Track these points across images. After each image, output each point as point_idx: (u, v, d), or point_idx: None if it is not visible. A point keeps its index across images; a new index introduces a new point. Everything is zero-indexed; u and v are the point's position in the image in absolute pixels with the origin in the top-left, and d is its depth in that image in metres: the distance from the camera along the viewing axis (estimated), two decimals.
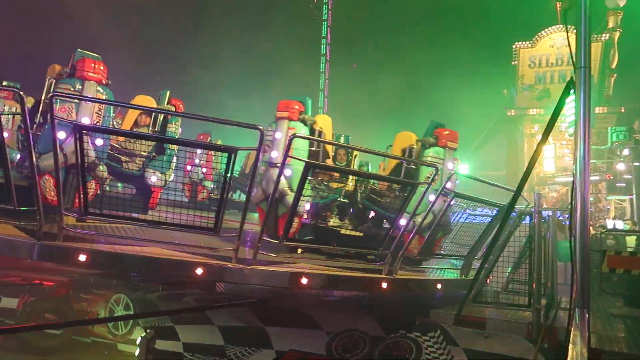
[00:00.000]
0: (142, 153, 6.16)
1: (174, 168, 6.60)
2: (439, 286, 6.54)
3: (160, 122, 6.93)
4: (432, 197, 6.08)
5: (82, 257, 4.44)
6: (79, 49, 5.71)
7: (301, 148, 6.43)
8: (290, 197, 5.99)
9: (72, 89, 5.35)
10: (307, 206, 6.23)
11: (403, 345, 7.13)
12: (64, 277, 10.09)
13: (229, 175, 4.65)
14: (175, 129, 7.09)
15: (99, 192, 5.53)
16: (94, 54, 5.72)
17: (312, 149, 6.77)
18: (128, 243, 4.96)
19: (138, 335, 9.18)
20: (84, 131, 4.51)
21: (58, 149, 4.52)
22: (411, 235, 6.04)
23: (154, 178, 6.23)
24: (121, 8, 28.44)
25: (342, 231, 6.81)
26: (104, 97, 5.48)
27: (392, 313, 7.17)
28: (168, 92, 7.29)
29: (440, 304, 6.61)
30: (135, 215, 5.19)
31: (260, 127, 4.45)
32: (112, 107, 5.97)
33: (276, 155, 6.16)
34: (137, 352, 8.93)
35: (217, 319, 8.38)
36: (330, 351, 7.59)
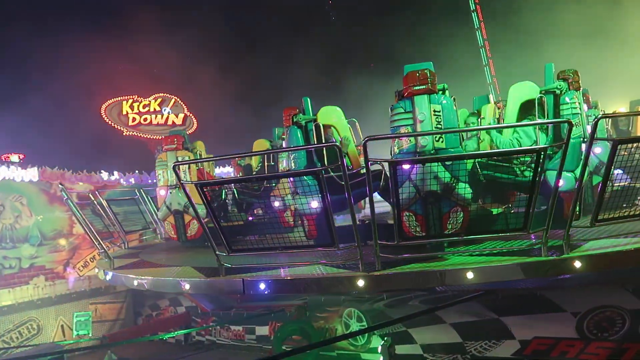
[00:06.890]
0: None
1: None
2: None
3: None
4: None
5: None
6: (407, 65, 4.93)
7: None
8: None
9: (403, 111, 4.77)
10: None
11: None
12: (299, 301, 11.23)
13: None
14: None
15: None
16: (422, 63, 4.87)
17: None
18: None
19: (377, 343, 9.69)
20: None
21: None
22: None
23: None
24: None
25: None
26: (438, 107, 4.67)
27: None
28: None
29: None
30: None
31: None
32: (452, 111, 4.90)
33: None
34: (380, 359, 9.45)
35: (448, 317, 8.37)
36: (582, 333, 6.94)
